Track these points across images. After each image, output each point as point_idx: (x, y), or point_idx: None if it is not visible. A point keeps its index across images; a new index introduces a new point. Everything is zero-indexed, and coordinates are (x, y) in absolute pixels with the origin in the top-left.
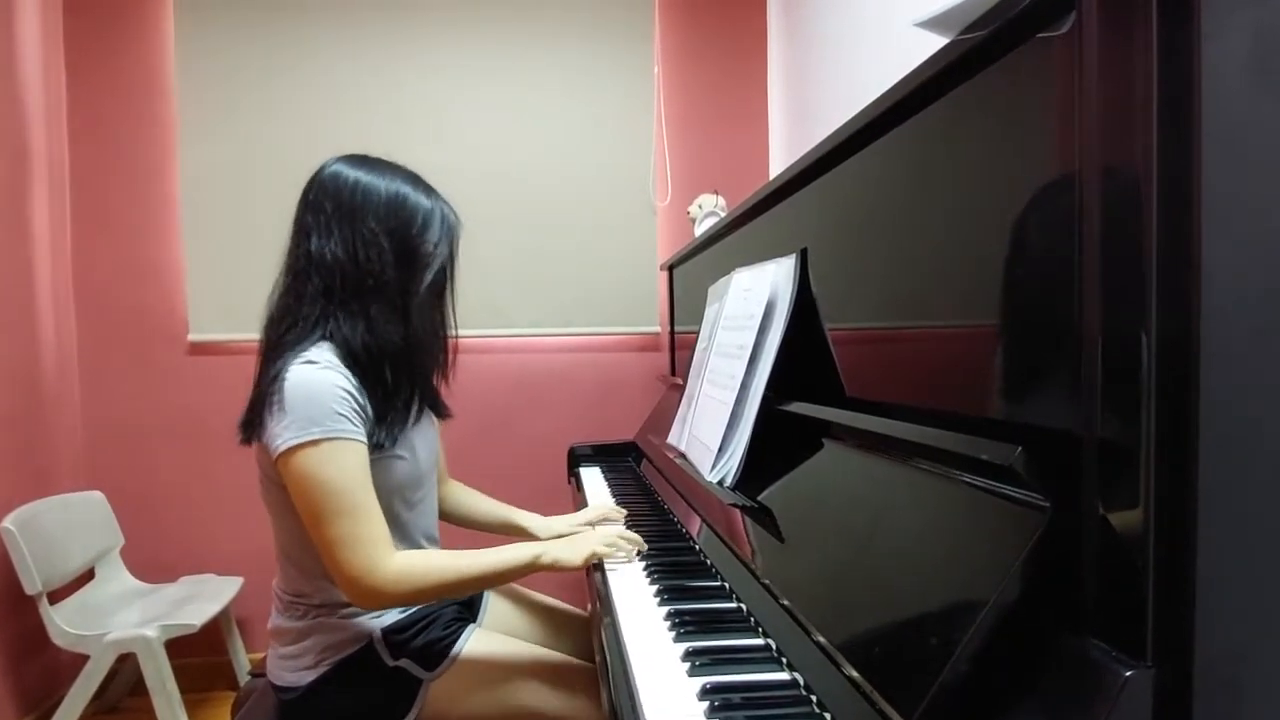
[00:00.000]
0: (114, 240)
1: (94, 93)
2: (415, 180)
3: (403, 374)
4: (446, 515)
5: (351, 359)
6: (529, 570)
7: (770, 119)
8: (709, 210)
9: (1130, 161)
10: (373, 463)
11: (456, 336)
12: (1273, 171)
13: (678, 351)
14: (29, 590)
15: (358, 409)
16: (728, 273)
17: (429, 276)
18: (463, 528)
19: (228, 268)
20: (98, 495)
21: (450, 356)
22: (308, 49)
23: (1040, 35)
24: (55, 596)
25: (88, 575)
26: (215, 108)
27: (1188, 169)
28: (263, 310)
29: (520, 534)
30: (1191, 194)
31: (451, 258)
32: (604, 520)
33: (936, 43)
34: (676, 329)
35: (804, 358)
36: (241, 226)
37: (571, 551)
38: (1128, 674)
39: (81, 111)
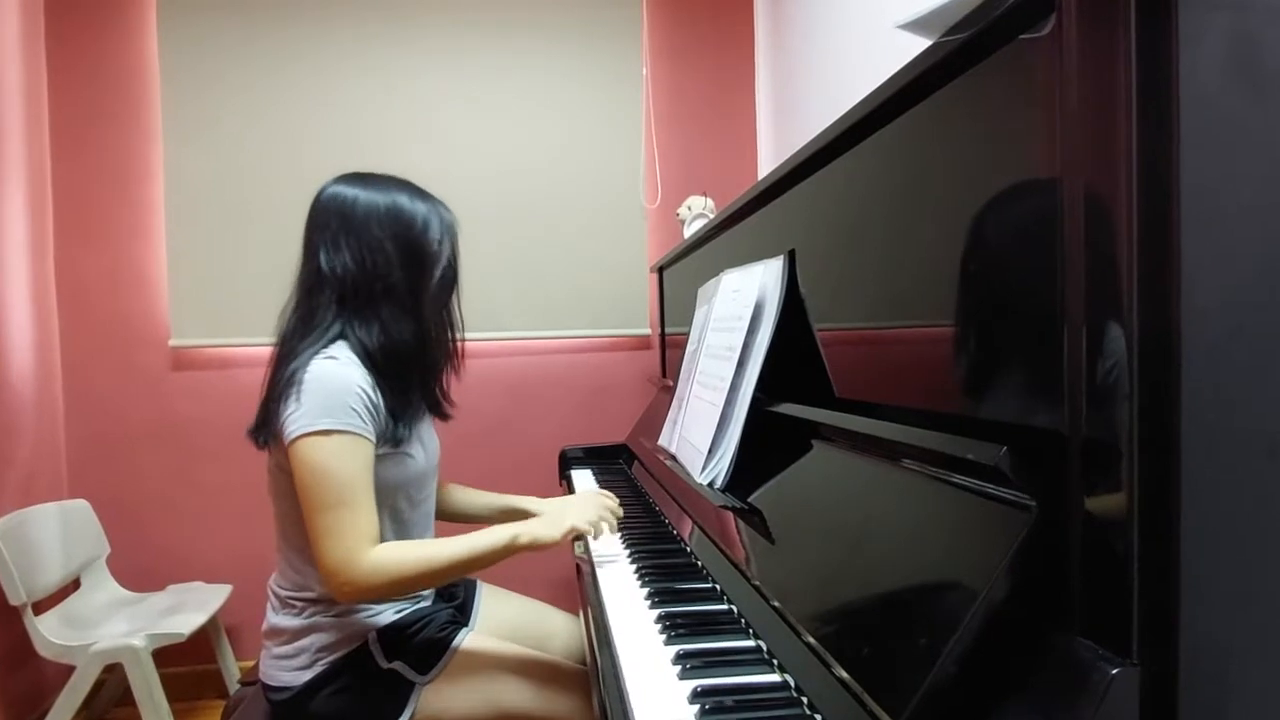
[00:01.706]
0: (97, 246)
1: (77, 96)
2: (409, 187)
3: (415, 370)
4: (447, 516)
5: (369, 360)
6: (509, 551)
7: (758, 121)
8: (698, 212)
9: (1110, 162)
10: (386, 458)
11: (463, 337)
12: (1250, 170)
13: (668, 353)
14: (13, 600)
15: (371, 407)
16: (717, 274)
17: (436, 274)
18: (461, 523)
19: (210, 273)
20: (82, 504)
21: (459, 355)
22: (294, 51)
23: (1022, 37)
24: (40, 607)
25: (73, 585)
26: (200, 111)
27: (1167, 168)
28: (270, 321)
29: (523, 516)
30: (1170, 193)
31: (455, 257)
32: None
33: (921, 44)
34: (667, 330)
35: (793, 359)
36: (225, 231)
37: (550, 527)
38: (1114, 672)
39: (64, 115)
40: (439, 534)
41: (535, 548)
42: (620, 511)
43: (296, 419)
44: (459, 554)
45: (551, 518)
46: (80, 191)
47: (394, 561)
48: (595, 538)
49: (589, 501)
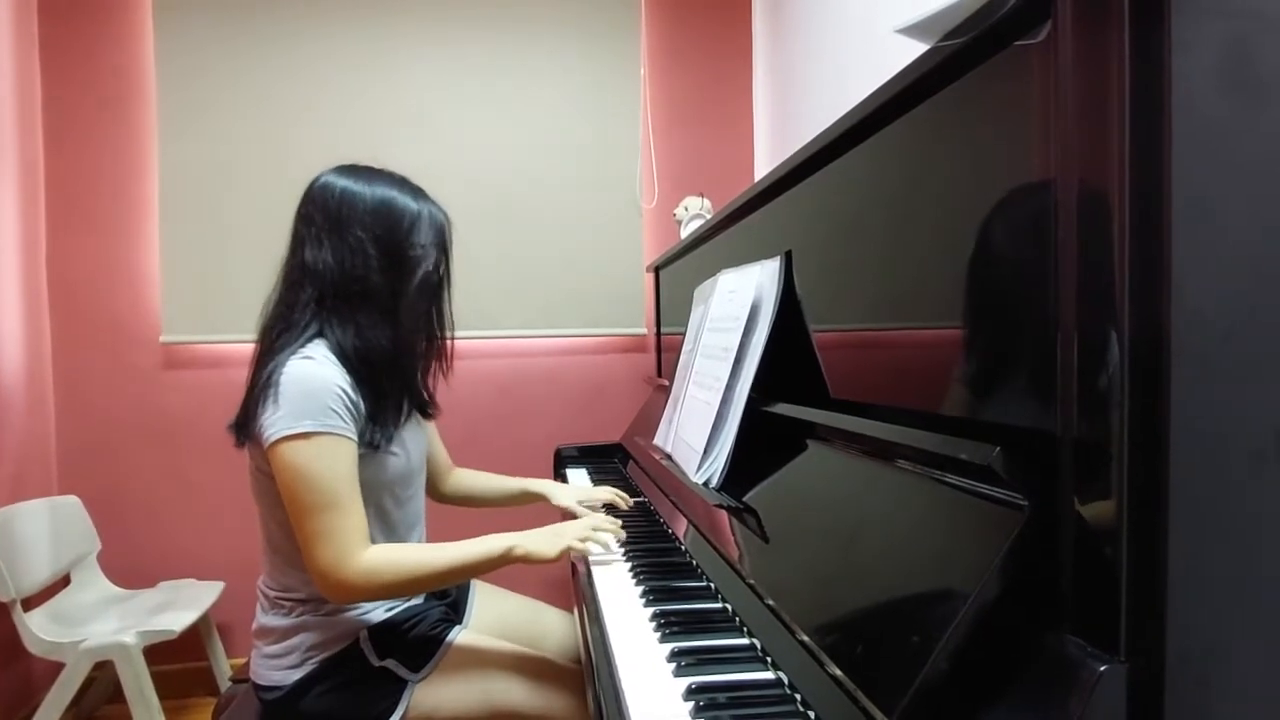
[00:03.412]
0: (90, 241)
1: (71, 92)
2: (402, 184)
3: (392, 376)
4: (459, 500)
5: (345, 361)
6: (502, 562)
7: (755, 122)
8: (695, 212)
9: (1103, 166)
10: (368, 458)
11: (453, 336)
12: (1239, 175)
13: (664, 353)
14: (2, 597)
15: (350, 406)
16: (714, 274)
17: (417, 278)
18: (477, 508)
19: (202, 270)
20: (73, 500)
21: (448, 355)
22: (290, 48)
23: (1018, 43)
24: (30, 603)
25: (63, 581)
26: (194, 107)
27: (1158, 173)
28: (257, 317)
29: (536, 499)
30: (1162, 198)
31: (446, 257)
32: (593, 502)
33: (919, 48)
34: (663, 330)
35: (789, 359)
36: (218, 228)
37: (547, 544)
38: (1102, 669)
39: (57, 110)
40: (452, 517)
41: (529, 561)
42: (622, 534)
43: (274, 422)
44: (453, 561)
45: (549, 534)
46: (73, 187)
47: (388, 565)
48: (589, 552)
49: (588, 522)
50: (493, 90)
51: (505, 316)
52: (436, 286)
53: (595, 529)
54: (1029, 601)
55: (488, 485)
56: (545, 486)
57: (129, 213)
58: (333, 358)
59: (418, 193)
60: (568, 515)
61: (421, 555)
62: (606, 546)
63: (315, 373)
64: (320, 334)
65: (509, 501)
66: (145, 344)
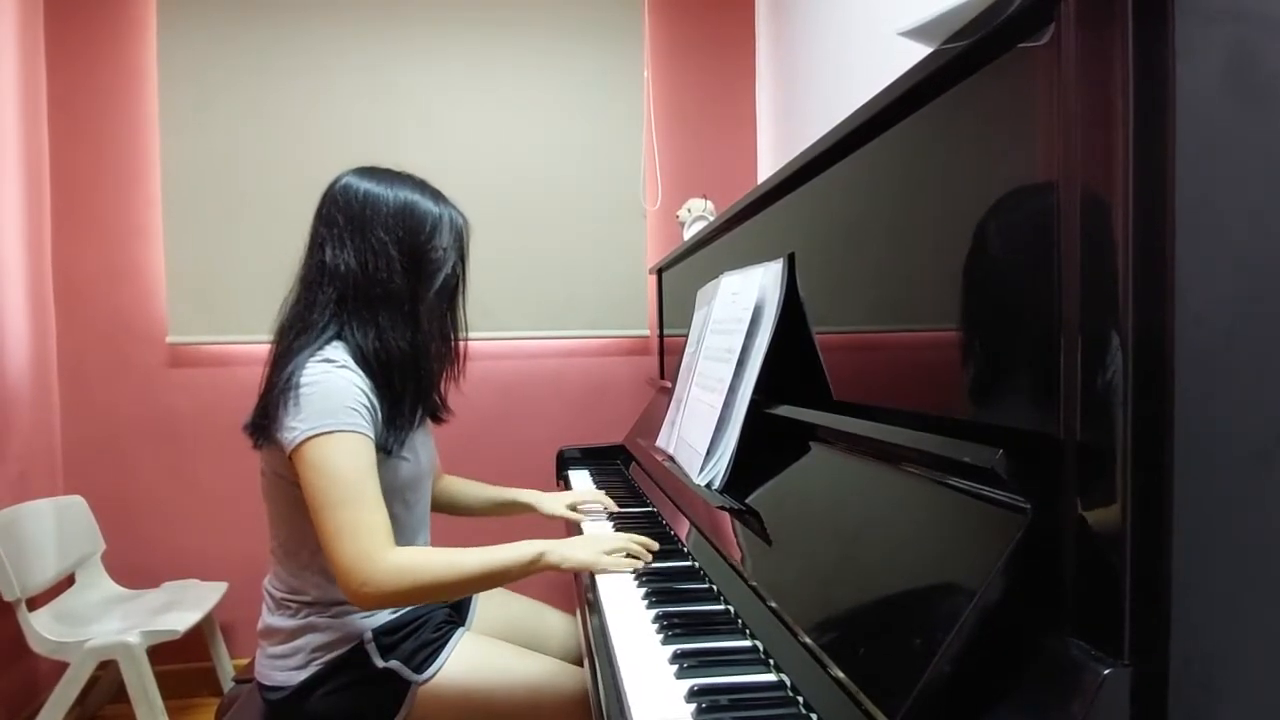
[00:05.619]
0: (94, 241)
1: (75, 91)
2: (423, 187)
3: (409, 379)
4: (444, 508)
5: (363, 363)
6: (531, 569)
7: (758, 124)
8: (698, 214)
9: (1107, 169)
10: (380, 463)
11: (466, 339)
12: (1242, 178)
13: (667, 355)
14: (7, 596)
15: (369, 407)
16: (716, 276)
17: (437, 281)
18: (462, 516)
19: (207, 270)
20: (78, 500)
21: (460, 359)
22: (293, 48)
23: (1021, 46)
24: (34, 603)
25: (68, 581)
26: (198, 106)
27: (1161, 176)
28: (263, 317)
29: (523, 509)
30: (1165, 201)
31: (462, 261)
32: (592, 504)
33: (922, 51)
34: (666, 332)
35: (792, 361)
36: (223, 227)
37: (580, 553)
38: (1105, 672)
39: (62, 110)
40: (454, 520)
41: (562, 569)
42: (649, 556)
43: (296, 425)
44: (484, 566)
45: (584, 542)
46: (78, 186)
47: (418, 565)
48: (631, 570)
49: (625, 540)
50: (495, 92)
51: (508, 318)
52: (454, 289)
53: (630, 553)
54: (1032, 604)
55: (474, 494)
56: (532, 497)
57: (134, 213)
58: (351, 361)
59: (438, 196)
60: (571, 527)
61: (451, 558)
62: (635, 567)
63: (334, 375)
64: (339, 335)
65: (495, 511)
66: (150, 344)
